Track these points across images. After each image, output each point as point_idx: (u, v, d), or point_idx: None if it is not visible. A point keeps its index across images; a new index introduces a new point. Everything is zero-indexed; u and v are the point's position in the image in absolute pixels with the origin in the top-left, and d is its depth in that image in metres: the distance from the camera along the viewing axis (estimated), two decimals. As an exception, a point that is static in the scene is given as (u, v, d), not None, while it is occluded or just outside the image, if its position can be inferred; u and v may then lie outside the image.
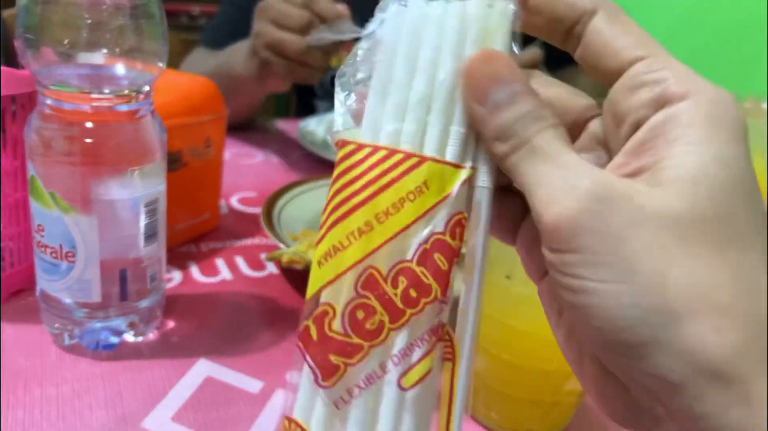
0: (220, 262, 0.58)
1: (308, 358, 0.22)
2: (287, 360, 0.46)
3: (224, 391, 0.42)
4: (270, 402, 0.41)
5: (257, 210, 0.68)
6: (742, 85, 1.13)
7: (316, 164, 0.89)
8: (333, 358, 0.21)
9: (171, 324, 0.48)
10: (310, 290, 0.22)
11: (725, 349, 0.17)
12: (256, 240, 0.64)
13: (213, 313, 0.50)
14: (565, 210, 0.19)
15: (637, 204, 0.19)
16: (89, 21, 0.36)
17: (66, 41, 0.37)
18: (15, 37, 0.38)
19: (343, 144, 0.22)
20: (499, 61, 0.21)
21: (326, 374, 0.21)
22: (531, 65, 0.84)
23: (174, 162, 0.55)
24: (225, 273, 0.56)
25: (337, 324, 0.21)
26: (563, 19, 0.22)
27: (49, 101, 0.38)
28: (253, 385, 0.43)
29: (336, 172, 0.22)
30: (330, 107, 1.23)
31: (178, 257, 0.58)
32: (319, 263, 0.22)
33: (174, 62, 1.46)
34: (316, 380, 0.21)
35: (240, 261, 0.59)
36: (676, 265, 0.18)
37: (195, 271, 0.56)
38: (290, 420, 0.22)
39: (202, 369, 0.44)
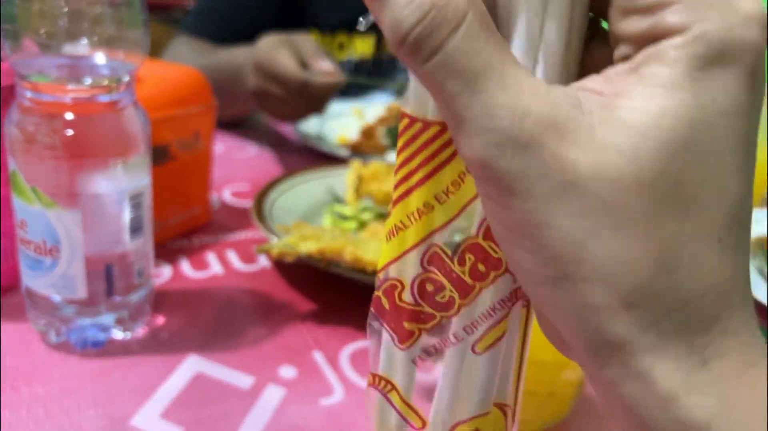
0: (211, 257, 0.57)
1: (384, 324, 0.23)
2: (279, 355, 0.45)
3: (214, 387, 0.41)
4: (261, 397, 0.40)
5: (250, 203, 0.67)
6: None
7: (311, 157, 0.88)
8: (407, 325, 0.22)
9: (161, 320, 0.47)
10: (379, 264, 0.22)
11: (630, 326, 0.16)
12: (248, 234, 0.63)
13: (203, 308, 0.50)
14: (485, 160, 0.17)
15: (571, 160, 0.16)
16: (67, 10, 0.35)
17: (43, 31, 0.36)
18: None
19: (402, 116, 0.21)
20: None
21: (402, 338, 0.22)
22: None
23: (162, 155, 0.54)
24: (216, 268, 0.56)
25: (407, 296, 0.22)
26: None
27: (28, 93, 0.37)
28: (243, 381, 0.42)
29: (399, 145, 0.21)
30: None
31: (168, 252, 0.57)
32: (387, 238, 0.22)
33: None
34: (393, 342, 0.23)
35: (232, 256, 0.58)
36: (598, 237, 0.16)
37: (185, 266, 0.55)
38: (376, 376, 0.23)
39: (192, 365, 0.43)
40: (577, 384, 0.39)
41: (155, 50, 1.38)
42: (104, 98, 0.38)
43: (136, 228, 0.41)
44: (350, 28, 1.10)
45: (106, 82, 0.38)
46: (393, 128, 0.87)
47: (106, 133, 0.38)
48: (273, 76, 0.74)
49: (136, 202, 0.41)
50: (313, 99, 0.76)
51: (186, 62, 0.89)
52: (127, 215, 0.40)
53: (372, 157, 0.85)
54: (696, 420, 0.16)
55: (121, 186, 0.39)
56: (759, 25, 0.16)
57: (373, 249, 0.46)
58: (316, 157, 0.87)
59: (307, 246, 0.46)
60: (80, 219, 0.39)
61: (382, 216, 0.62)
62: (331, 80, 0.74)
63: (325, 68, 0.74)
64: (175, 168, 0.56)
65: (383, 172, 0.60)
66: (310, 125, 0.96)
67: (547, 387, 0.38)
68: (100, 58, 0.37)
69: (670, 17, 0.16)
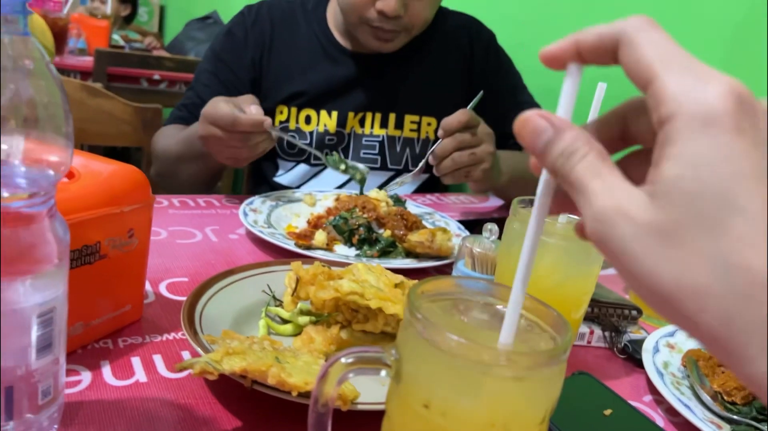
0: (136, 361, 0.54)
1: None
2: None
3: None
4: None
5: (185, 299, 0.65)
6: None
7: (257, 246, 0.86)
8: None
9: (69, 438, 0.44)
10: None
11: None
12: (178, 335, 0.60)
13: (116, 424, 0.46)
14: (589, 229, 0.27)
15: (634, 219, 0.26)
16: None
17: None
18: None
19: None
20: (533, 120, 0.29)
21: None
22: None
23: (90, 254, 0.52)
24: (140, 375, 0.53)
25: None
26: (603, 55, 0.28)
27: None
28: None
29: None
30: (294, 165, 1.23)
31: (91, 355, 0.54)
32: None
33: (125, 129, 1.46)
34: None
35: (158, 361, 0.55)
36: (662, 263, 0.25)
37: (107, 372, 0.52)
38: None
39: (95, 495, 0.39)
40: None
41: (135, 127, 1.45)
42: (18, 205, 0.36)
43: (44, 346, 0.39)
44: (315, 103, 1.21)
45: (26, 195, 0.36)
46: (338, 221, 0.86)
47: (15, 247, 0.36)
48: (212, 121, 0.91)
49: (45, 319, 0.38)
50: (244, 138, 0.90)
51: (166, 142, 1.15)
52: (34, 333, 0.38)
53: (317, 251, 0.83)
54: None
55: (28, 302, 0.37)
56: (723, 106, 0.25)
57: (300, 369, 0.44)
58: (263, 246, 0.85)
59: (231, 365, 0.43)
60: (-19, 336, 0.36)
61: (320, 321, 0.60)
62: (257, 117, 0.89)
63: (252, 110, 0.90)
64: (106, 266, 0.54)
65: (323, 276, 0.59)
66: (260, 209, 0.94)
67: None
68: (17, 167, 0.36)
69: (663, 110, 0.26)
